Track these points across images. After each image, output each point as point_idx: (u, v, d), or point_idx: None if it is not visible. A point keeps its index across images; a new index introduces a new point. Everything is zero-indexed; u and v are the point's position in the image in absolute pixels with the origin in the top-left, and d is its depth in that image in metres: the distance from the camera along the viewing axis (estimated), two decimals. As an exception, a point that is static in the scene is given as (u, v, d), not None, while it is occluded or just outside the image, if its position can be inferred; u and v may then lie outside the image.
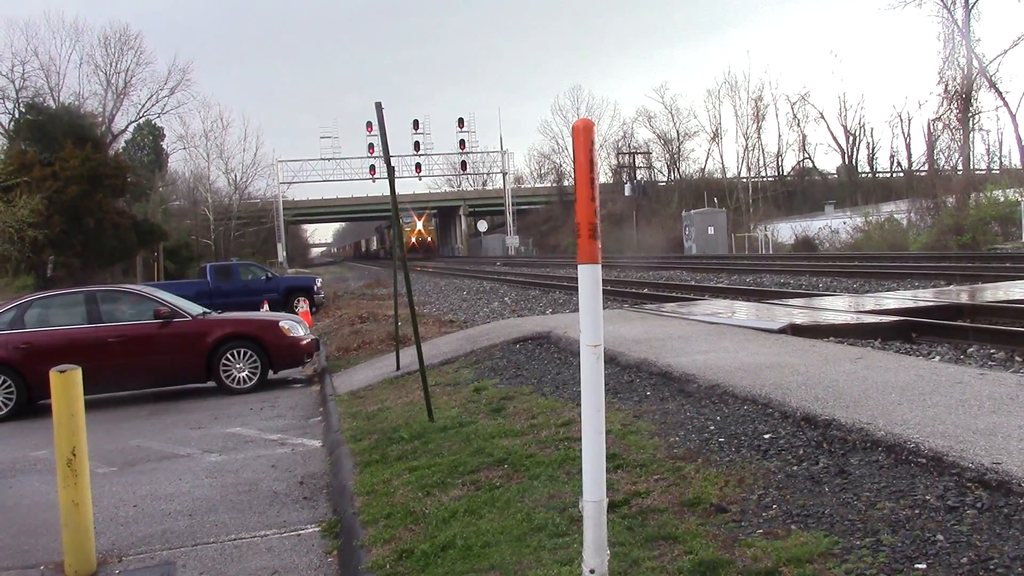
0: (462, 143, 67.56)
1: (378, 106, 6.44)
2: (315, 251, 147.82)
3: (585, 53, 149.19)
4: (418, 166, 67.59)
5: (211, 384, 11.13)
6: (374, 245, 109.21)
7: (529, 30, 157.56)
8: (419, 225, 78.87)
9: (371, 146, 61.65)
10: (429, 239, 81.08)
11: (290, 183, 69.21)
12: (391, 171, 7.00)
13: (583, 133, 3.08)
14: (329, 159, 67.30)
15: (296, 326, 11.70)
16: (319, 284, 25.43)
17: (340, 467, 6.09)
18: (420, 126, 66.01)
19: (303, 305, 20.02)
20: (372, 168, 63.82)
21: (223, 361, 10.96)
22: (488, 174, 75.82)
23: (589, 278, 3.10)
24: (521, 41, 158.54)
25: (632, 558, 3.45)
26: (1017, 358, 7.85)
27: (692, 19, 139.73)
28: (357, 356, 12.66)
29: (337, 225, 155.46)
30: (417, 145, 66.02)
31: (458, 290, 25.68)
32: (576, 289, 16.73)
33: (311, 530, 5.05)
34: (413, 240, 74.85)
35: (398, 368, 9.92)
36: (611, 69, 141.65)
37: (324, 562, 4.49)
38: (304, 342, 11.56)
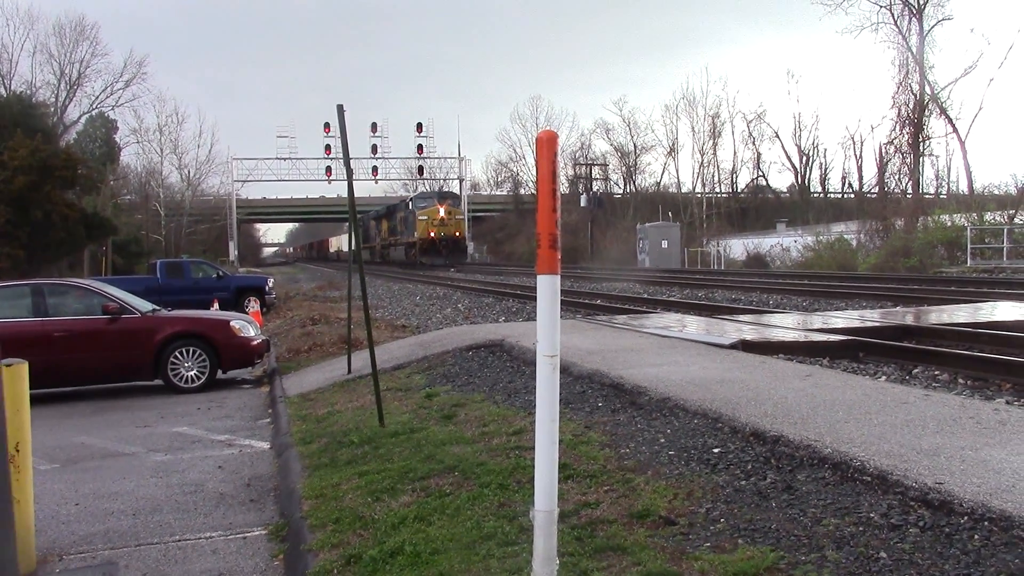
0: (420, 148, 67.63)
1: (339, 108, 6.42)
2: (267, 251, 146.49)
3: (546, 63, 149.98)
4: (375, 169, 67.56)
5: (158, 382, 10.98)
6: (345, 245, 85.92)
7: (490, 38, 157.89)
8: (441, 212, 54.73)
9: (328, 147, 61.35)
10: (457, 233, 55.67)
11: (244, 181, 68.54)
12: (350, 173, 6.97)
13: (546, 144, 3.09)
14: (285, 159, 66.85)
15: (247, 326, 11.59)
16: (271, 284, 25.20)
17: (288, 470, 6.04)
18: (378, 129, 66.06)
19: (254, 305, 19.80)
20: (328, 169, 63.58)
21: (171, 359, 10.82)
22: (445, 180, 75.43)
23: (548, 288, 3.11)
24: (482, 49, 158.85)
25: (581, 569, 3.47)
26: (960, 380, 8.01)
27: (652, 34, 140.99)
28: (308, 358, 12.56)
29: (290, 225, 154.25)
30: (375, 148, 65.97)
31: (411, 295, 25.59)
32: (530, 298, 16.80)
33: (257, 533, 5.00)
34: (431, 234, 53.86)
35: (349, 372, 9.87)
36: (571, 80, 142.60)
37: (270, 565, 4.45)
38: (254, 343, 11.45)
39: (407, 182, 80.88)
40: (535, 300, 15.89)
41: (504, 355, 9.17)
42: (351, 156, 6.95)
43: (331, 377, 9.98)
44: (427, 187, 72.54)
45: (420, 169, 71.79)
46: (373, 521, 4.43)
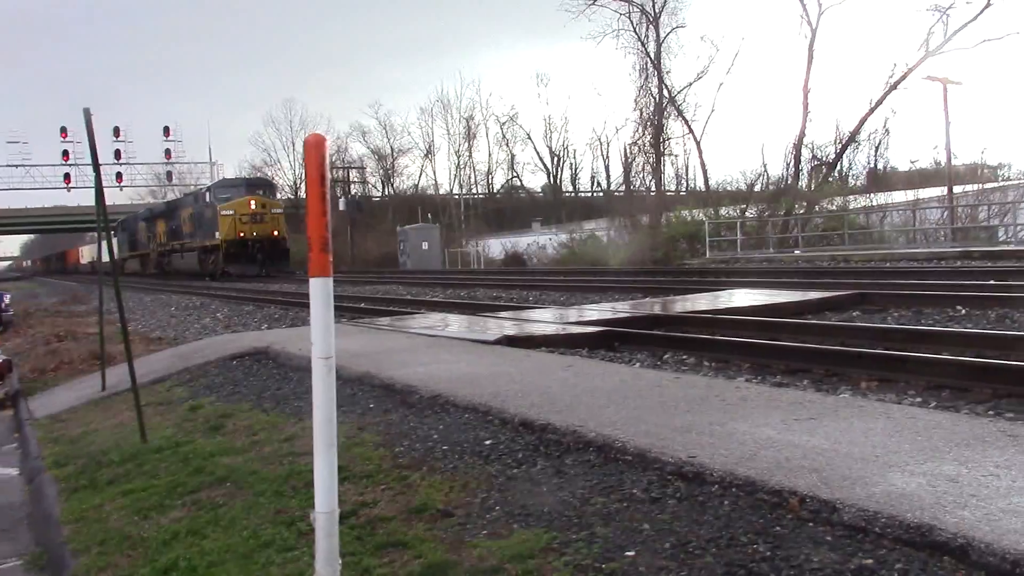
0: (168, 152, 64.91)
1: (86, 112, 6.09)
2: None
3: (299, 65, 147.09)
4: (119, 175, 64.11)
5: None
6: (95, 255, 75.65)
7: (238, 39, 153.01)
8: (252, 204, 43.24)
9: (66, 152, 57.70)
10: (275, 232, 43.57)
11: (-32, 191, 63.02)
12: (99, 180, 6.63)
13: (314, 148, 3.11)
14: (17, 166, 62.06)
15: (-17, 346, 10.68)
16: (7, 300, 23.35)
17: (42, 495, 5.68)
18: (121, 133, 62.63)
19: (-11, 324, 18.22)
20: (67, 176, 59.79)
21: None
22: (195, 185, 72.73)
23: (320, 291, 3.12)
24: (231, 49, 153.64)
25: (363, 566, 3.50)
26: (706, 363, 8.63)
27: (405, 38, 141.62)
28: (56, 377, 11.78)
29: (26, 237, 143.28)
30: (118, 153, 62.72)
31: (165, 306, 24.50)
32: (293, 304, 16.53)
33: (11, 564, 4.68)
34: (240, 234, 42.19)
35: (104, 388, 9.35)
36: (325, 83, 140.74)
37: (29, 597, 4.19)
38: (-7, 364, 10.53)
39: (155, 188, 77.09)
40: (298, 306, 15.76)
41: (270, 362, 9.00)
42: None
43: (84, 395, 9.42)
44: (177, 193, 66.97)
45: (169, 175, 68.64)
46: (142, 540, 4.26)
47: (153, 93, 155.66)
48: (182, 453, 5.92)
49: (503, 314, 13.45)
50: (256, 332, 13.42)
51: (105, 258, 7.64)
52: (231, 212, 43.14)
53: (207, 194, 46.31)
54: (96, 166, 6.45)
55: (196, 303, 24.84)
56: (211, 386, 8.47)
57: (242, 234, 42.98)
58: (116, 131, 63.02)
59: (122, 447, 6.45)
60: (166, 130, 64.74)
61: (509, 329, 10.47)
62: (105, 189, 7.31)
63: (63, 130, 57.65)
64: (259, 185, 48.29)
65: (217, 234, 43.49)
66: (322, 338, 3.13)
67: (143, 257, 59.61)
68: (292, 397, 7.19)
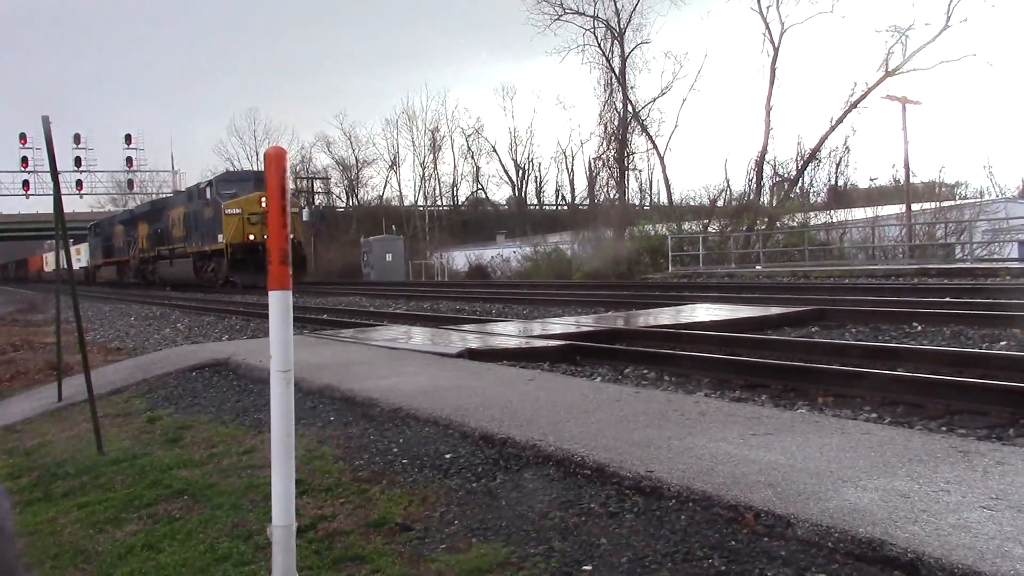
0: (129, 160, 64.37)
1: (45, 120, 6.04)
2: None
3: (262, 75, 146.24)
4: (79, 183, 63.43)
5: None
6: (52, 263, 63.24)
7: (202, 48, 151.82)
8: (265, 202, 20.30)
9: (25, 159, 56.99)
10: (291, 236, 20.61)
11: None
12: (57, 187, 6.56)
13: (275, 161, 3.12)
14: (-25, 172, 61.17)
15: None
16: (-38, 309, 22.90)
17: (-5, 508, 5.60)
18: (82, 140, 62.04)
19: (-57, 332, 17.82)
20: (26, 183, 59.00)
21: None
22: (158, 194, 71.97)
23: (280, 304, 3.13)
24: (195, 57, 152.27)
25: (320, 581, 3.50)
26: (666, 377, 8.68)
27: (371, 49, 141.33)
28: (11, 388, 11.60)
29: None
30: (78, 161, 62.15)
31: (124, 316, 24.23)
32: (254, 315, 16.38)
33: (-38, 578, 4.61)
34: (250, 237, 36.16)
35: (60, 399, 9.22)
36: (290, 93, 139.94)
37: (-20, 612, 4.13)
38: (-53, 373, 10.23)
39: (116, 197, 76.26)
40: (259, 317, 15.64)
41: (230, 374, 8.94)
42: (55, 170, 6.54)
43: (39, 406, 9.29)
44: (137, 201, 64.44)
45: (130, 183, 67.89)
46: (97, 553, 4.22)
47: (116, 100, 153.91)
48: (139, 465, 5.87)
49: (466, 327, 13.45)
50: (217, 343, 13.32)
51: (69, 266, 7.54)
52: (238, 211, 36.47)
53: (208, 190, 39.37)
54: (55, 174, 6.40)
55: (156, 313, 24.60)
56: (170, 398, 8.40)
57: (251, 237, 35.94)
58: (77, 138, 62.56)
59: (78, 459, 6.38)
60: (128, 138, 64.34)
61: (472, 342, 10.47)
62: (64, 197, 7.24)
63: (22, 136, 57.04)
64: None
65: (220, 237, 36.95)
66: (281, 351, 3.13)
67: (120, 265, 54.06)
68: (252, 409, 7.15)
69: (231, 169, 41.00)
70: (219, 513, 4.56)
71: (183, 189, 50.31)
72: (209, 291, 36.62)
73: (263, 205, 32.17)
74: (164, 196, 53.92)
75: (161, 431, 6.94)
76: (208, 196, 38.74)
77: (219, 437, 6.39)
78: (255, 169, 43.34)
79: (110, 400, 8.73)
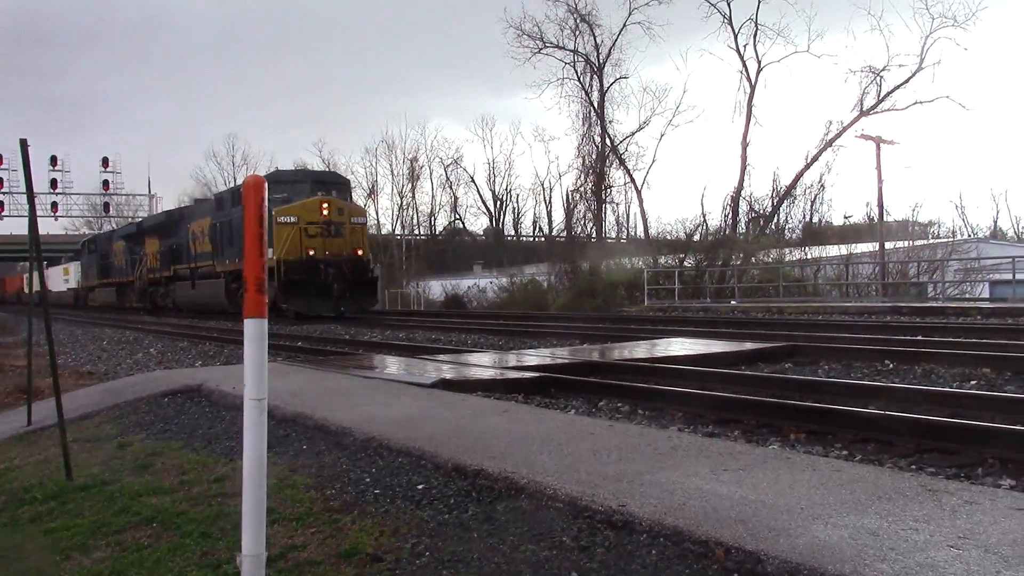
0: (106, 183, 63.96)
1: (23, 143, 6.02)
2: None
3: (242, 100, 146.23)
4: (54, 205, 63.01)
5: None
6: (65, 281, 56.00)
7: (181, 71, 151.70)
8: (325, 208, 30.08)
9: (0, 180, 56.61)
10: (358, 251, 30.57)
11: None
12: (33, 210, 6.54)
13: (253, 190, 3.13)
14: (-51, 193, 60.64)
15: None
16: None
17: (-41, 533, 5.52)
18: (59, 163, 61.68)
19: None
20: (0, 204, 58.51)
21: None
22: (133, 218, 71.49)
23: (255, 332, 3.13)
24: (174, 82, 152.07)
25: (289, 611, 3.47)
26: (640, 411, 8.70)
27: (352, 76, 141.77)
28: (-21, 411, 11.48)
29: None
30: (54, 183, 61.74)
31: (97, 339, 24.03)
32: (228, 341, 16.29)
33: (-76, 605, 4.55)
34: (310, 252, 29.48)
35: (29, 423, 9.12)
36: (269, 119, 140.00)
37: (-59, 639, 4.06)
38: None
39: (92, 220, 75.77)
40: (233, 343, 15.53)
41: (203, 400, 8.88)
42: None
43: (7, 430, 9.19)
44: (114, 225, 61.06)
45: (106, 206, 67.47)
46: (63, 581, 4.18)
47: (95, 123, 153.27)
48: (108, 492, 5.81)
49: (441, 357, 13.44)
50: (190, 369, 13.24)
51: (43, 288, 7.48)
52: (293, 219, 29.37)
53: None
54: (31, 197, 6.38)
55: (129, 337, 24.41)
56: (141, 423, 8.33)
57: (312, 252, 29.25)
58: (53, 160, 62.15)
59: (46, 484, 6.31)
60: (104, 161, 63.99)
61: (447, 372, 10.46)
62: (39, 219, 7.21)
63: (-1, 157, 56.72)
64: (331, 182, 33.19)
65: (269, 252, 24.63)
66: (255, 379, 3.13)
67: (121, 286, 47.69)
68: (224, 437, 7.10)
69: (281, 168, 34.38)
70: (188, 541, 4.52)
71: (215, 193, 44.21)
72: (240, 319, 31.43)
73: (325, 213, 29.72)
74: (181, 206, 47.45)
75: (131, 457, 6.88)
76: None
77: (190, 464, 6.34)
78: (310, 169, 36.34)
79: (80, 425, 8.65)
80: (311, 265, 29.19)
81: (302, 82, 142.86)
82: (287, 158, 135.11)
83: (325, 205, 29.91)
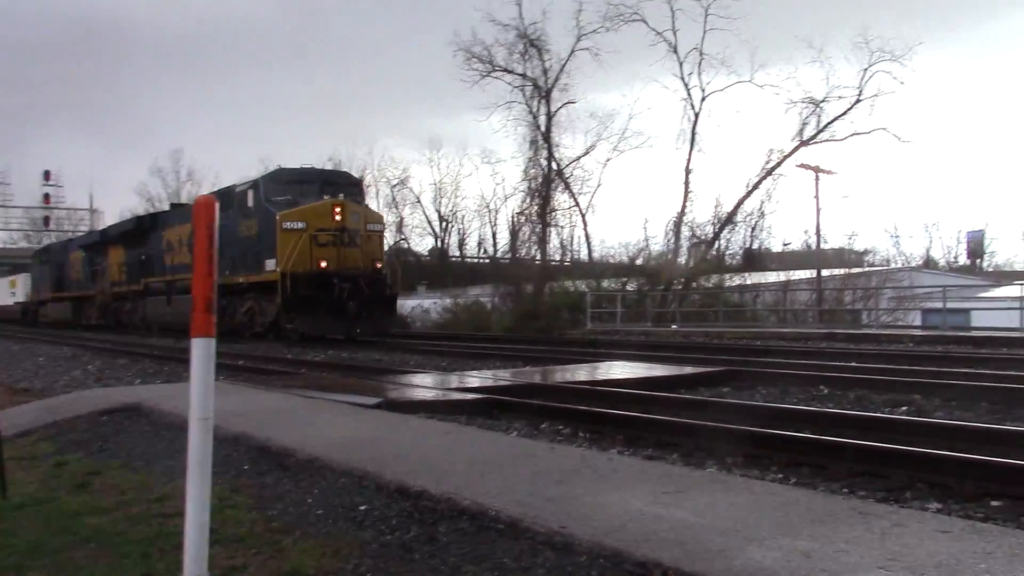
0: (47, 197, 62.86)
1: (-35, 156, 5.94)
2: None
3: (186, 115, 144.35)
4: (-10, 217, 61.64)
5: None
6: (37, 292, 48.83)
7: (125, 85, 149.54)
8: (337, 213, 25.42)
9: (-66, 191, 55.28)
10: (376, 262, 26.16)
11: None
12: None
13: (204, 209, 3.17)
14: None
15: None
16: None
17: None
18: (-1, 175, 60.49)
19: None
20: (-66, 215, 57.13)
21: None
22: (75, 232, 70.02)
23: (203, 351, 3.15)
24: (118, 94, 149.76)
25: (230, 632, 3.48)
26: (581, 434, 8.79)
27: (298, 93, 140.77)
28: (-93, 428, 11.18)
29: None
30: (-9, 195, 60.33)
31: (33, 355, 23.53)
32: (169, 359, 16.09)
33: None
34: (321, 263, 24.80)
35: (-39, 441, 8.92)
36: (214, 134, 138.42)
37: None
38: None
39: (31, 233, 74.14)
40: (174, 360, 15.34)
41: (143, 419, 8.78)
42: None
43: (-62, 448, 8.98)
44: (54, 239, 57.39)
45: (46, 220, 66.10)
46: (-2, 602, 4.12)
47: (36, 135, 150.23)
48: (45, 511, 5.73)
49: (385, 377, 13.42)
50: (128, 387, 13.05)
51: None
52: (301, 226, 25.23)
53: (249, 194, 27.25)
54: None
55: (67, 353, 23.94)
56: (79, 442, 8.21)
57: (324, 263, 25.19)
58: (-9, 172, 61.02)
59: (-21, 504, 6.19)
60: (46, 174, 63.01)
61: (390, 393, 10.46)
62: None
63: (-67, 167, 55.50)
64: (342, 183, 28.49)
65: (271, 263, 25.59)
66: (201, 399, 3.15)
67: (78, 301, 43.20)
68: (164, 456, 7.03)
69: (283, 166, 29.72)
70: (127, 562, 4.48)
71: (183, 203, 39.21)
72: (236, 342, 25.28)
73: (337, 219, 25.52)
74: (153, 212, 43.31)
75: (69, 476, 6.78)
76: (250, 204, 26.96)
77: (129, 484, 6.28)
78: (318, 168, 30.80)
79: (16, 443, 8.49)
80: (323, 279, 24.88)
81: (250, 99, 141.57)
82: (233, 174, 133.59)
83: (338, 209, 25.61)
